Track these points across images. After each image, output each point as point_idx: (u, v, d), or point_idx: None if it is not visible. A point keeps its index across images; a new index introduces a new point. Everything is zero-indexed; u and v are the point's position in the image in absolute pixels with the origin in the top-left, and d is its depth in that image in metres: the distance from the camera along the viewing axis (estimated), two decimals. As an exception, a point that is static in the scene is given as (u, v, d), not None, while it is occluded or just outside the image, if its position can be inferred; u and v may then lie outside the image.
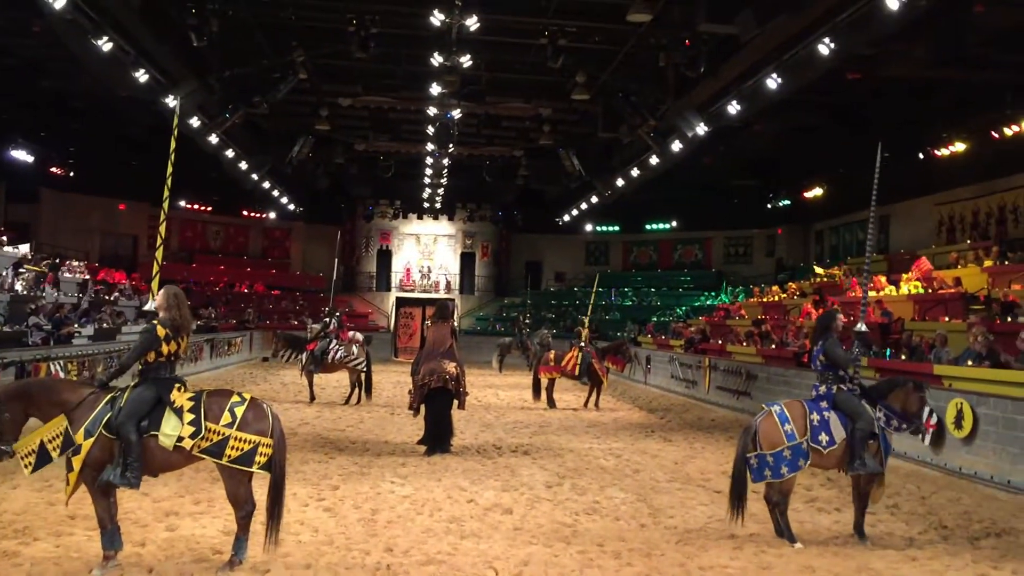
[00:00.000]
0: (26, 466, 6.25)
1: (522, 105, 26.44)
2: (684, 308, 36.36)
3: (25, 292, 20.27)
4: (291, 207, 38.55)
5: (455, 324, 14.17)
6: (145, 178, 34.06)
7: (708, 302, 35.99)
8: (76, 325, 18.81)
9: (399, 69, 24.08)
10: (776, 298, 26.85)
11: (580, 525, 8.17)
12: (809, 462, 7.55)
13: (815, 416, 7.61)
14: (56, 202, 33.57)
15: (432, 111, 25.03)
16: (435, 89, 22.56)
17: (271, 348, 20.49)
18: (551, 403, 18.76)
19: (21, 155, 29.01)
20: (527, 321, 31.94)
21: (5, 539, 6.96)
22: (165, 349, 6.53)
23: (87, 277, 26.89)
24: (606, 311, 38.87)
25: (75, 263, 27.97)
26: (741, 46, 18.22)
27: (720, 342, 23.46)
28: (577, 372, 18.66)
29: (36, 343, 16.25)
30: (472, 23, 18.21)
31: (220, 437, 6.29)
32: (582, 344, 19.02)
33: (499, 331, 37.85)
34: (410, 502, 8.85)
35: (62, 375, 14.36)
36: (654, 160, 24.92)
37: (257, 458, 6.34)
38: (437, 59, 20.19)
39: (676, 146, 22.81)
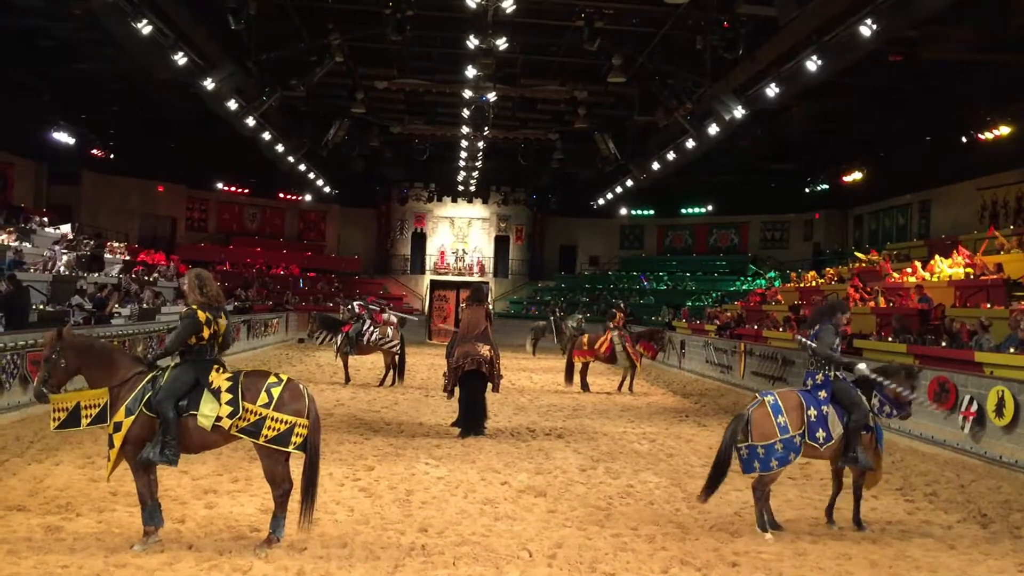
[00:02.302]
0: (54, 420, 6.41)
1: (557, 88, 26.30)
2: (719, 293, 36.11)
3: (68, 273, 20.59)
4: (327, 190, 38.76)
5: (490, 307, 14.17)
6: (183, 161, 34.58)
7: (743, 287, 35.71)
8: (117, 305, 19.08)
9: (434, 52, 24.05)
10: (814, 283, 26.57)
11: (614, 509, 8.17)
12: (800, 456, 7.39)
13: (812, 411, 7.35)
14: (96, 184, 34.06)
15: (467, 94, 24.98)
16: (470, 72, 22.51)
17: (307, 329, 20.59)
18: (584, 387, 18.76)
19: (63, 137, 29.44)
20: (562, 304, 31.90)
21: (49, 514, 7.10)
22: (206, 332, 6.64)
23: (127, 258, 27.26)
24: (640, 295, 38.74)
25: (115, 244, 28.35)
26: (780, 28, 17.97)
27: (756, 327, 23.28)
28: (611, 356, 18.67)
29: (78, 322, 16.51)
30: (508, 5, 18.09)
31: (257, 417, 6.38)
32: (616, 328, 18.99)
33: (533, 315, 37.86)
34: (444, 484, 8.90)
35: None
36: (690, 144, 24.69)
37: (293, 438, 6.42)
38: (472, 42, 20.11)
39: (713, 129, 22.57)
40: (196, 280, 6.85)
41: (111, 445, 6.36)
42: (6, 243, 20.24)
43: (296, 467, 6.67)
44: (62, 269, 20.74)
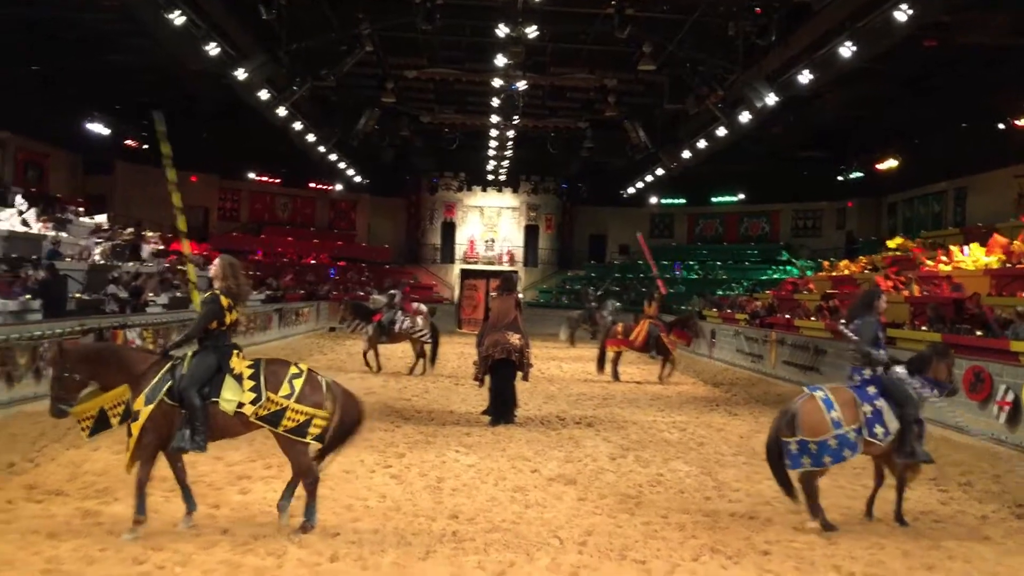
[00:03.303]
0: (83, 429, 6.49)
1: (587, 76, 26.22)
2: (750, 282, 35.86)
3: (103, 262, 20.87)
4: (357, 179, 38.89)
5: (519, 296, 14.18)
6: (215, 151, 34.84)
7: (775, 276, 35.44)
8: (151, 294, 19.32)
9: (464, 41, 24.06)
10: (847, 271, 26.30)
11: (644, 497, 8.18)
12: (859, 452, 7.19)
13: (867, 407, 7.17)
14: (130, 174, 34.38)
15: (497, 83, 24.97)
16: (500, 61, 22.50)
17: (338, 316, 20.70)
18: (615, 376, 18.73)
19: (97, 128, 29.79)
20: (598, 293, 31.78)
21: (87, 499, 7.24)
22: (228, 318, 6.70)
23: (161, 247, 27.54)
24: (671, 284, 38.59)
25: (149, 234, 28.67)
26: (813, 13, 17.79)
27: (787, 316, 23.11)
28: (645, 345, 18.62)
29: (114, 311, 16.74)
30: (538, -7, 18.08)
31: (278, 407, 6.44)
32: (650, 317, 18.95)
33: (564, 303, 37.86)
34: (475, 471, 8.94)
35: (138, 342, 14.79)
36: (721, 131, 24.52)
37: (311, 429, 6.50)
38: (502, 30, 20.10)
39: (744, 117, 22.40)
40: (228, 268, 6.85)
41: (129, 434, 6.35)
42: (43, 232, 20.52)
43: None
44: (97, 258, 21.02)
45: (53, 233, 20.78)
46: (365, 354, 19.04)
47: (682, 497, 8.25)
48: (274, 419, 6.44)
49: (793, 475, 7.27)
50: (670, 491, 8.47)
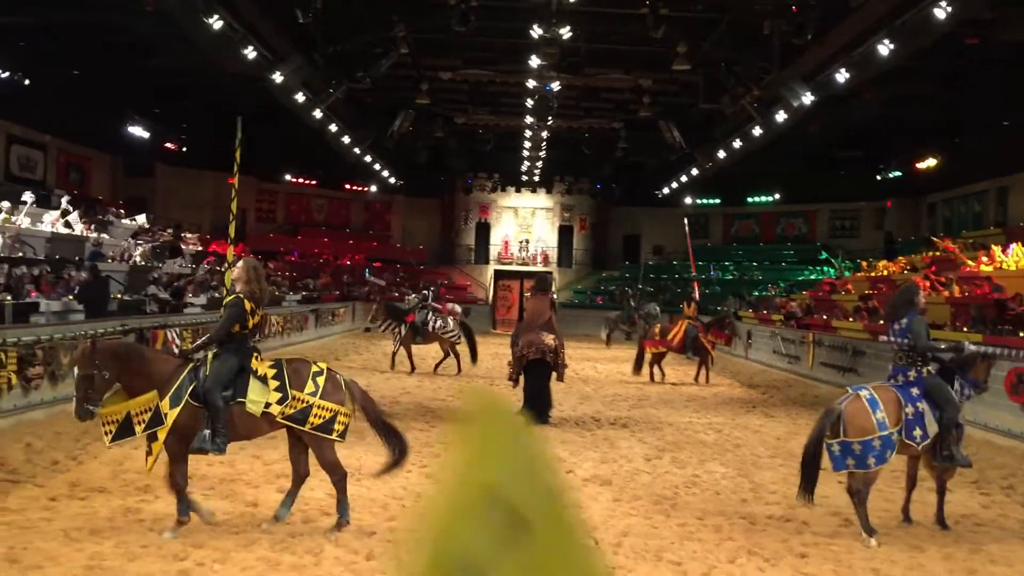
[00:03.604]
0: (106, 433, 6.35)
1: (622, 77, 26.15)
2: (786, 282, 35.54)
3: (144, 263, 21.19)
4: (392, 181, 39.11)
5: (554, 297, 14.18)
6: (252, 153, 35.18)
7: (812, 276, 35.08)
8: (191, 295, 19.58)
9: (498, 42, 24.07)
10: (885, 272, 25.99)
11: (680, 498, 8.15)
12: (895, 454, 7.05)
13: (909, 408, 6.99)
14: (170, 176, 34.90)
15: (531, 84, 24.95)
16: (534, 61, 22.48)
17: (370, 315, 20.77)
18: (652, 377, 18.66)
19: (137, 131, 30.27)
20: (638, 291, 31.63)
21: (129, 496, 7.35)
22: (250, 322, 6.75)
23: (199, 248, 27.91)
24: (706, 285, 38.36)
25: (188, 235, 29.07)
26: (851, 11, 17.59)
27: (825, 317, 22.88)
28: (683, 346, 18.52)
29: (153, 311, 16.99)
30: (572, -6, 18.06)
31: (304, 405, 6.51)
32: (689, 318, 18.85)
33: (598, 304, 37.77)
34: (510, 471, 8.94)
35: (178, 342, 14.99)
36: (757, 131, 24.34)
37: (336, 426, 6.57)
38: (536, 31, 20.10)
39: (780, 116, 22.22)
40: (252, 271, 6.90)
41: (154, 438, 6.32)
42: (85, 234, 20.88)
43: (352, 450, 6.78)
44: (138, 259, 21.35)
45: (95, 235, 21.13)
46: (394, 355, 19.18)
47: (718, 499, 8.20)
48: (301, 417, 6.50)
49: (823, 477, 7.15)
50: (706, 493, 8.43)
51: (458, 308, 27.76)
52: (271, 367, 6.65)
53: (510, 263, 41.42)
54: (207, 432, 6.39)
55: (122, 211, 26.97)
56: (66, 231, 20.45)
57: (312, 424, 6.51)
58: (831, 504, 7.72)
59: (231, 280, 6.97)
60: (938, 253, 24.36)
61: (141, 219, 26.48)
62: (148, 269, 20.63)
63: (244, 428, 6.63)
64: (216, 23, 17.43)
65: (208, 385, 6.41)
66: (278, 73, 20.66)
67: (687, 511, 7.63)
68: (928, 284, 19.99)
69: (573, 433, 11.57)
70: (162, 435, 6.29)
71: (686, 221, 28.65)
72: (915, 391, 7.13)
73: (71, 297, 14.92)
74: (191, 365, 6.55)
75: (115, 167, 32.43)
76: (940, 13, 15.09)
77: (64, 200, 21.79)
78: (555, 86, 25.10)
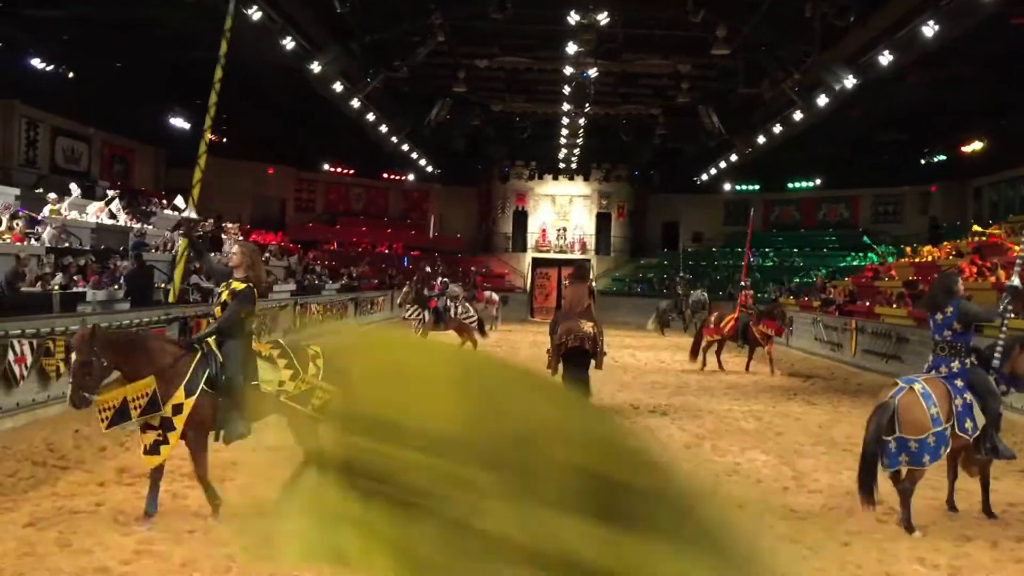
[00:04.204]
0: (102, 420, 6.23)
1: (660, 62, 25.94)
2: (828, 269, 35.12)
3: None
4: (429, 169, 39.23)
5: (593, 284, 14.12)
6: (292, 143, 35.53)
7: (854, 263, 34.63)
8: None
9: (535, 29, 24.00)
10: (930, 258, 25.58)
11: (720, 487, 8.08)
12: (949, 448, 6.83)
13: (959, 400, 6.74)
14: (211, 167, 35.07)
15: (568, 70, 24.88)
16: (571, 48, 22.41)
17: (400, 296, 20.69)
18: (704, 364, 18.44)
19: (179, 123, 30.65)
20: (686, 279, 31.36)
21: (174, 482, 7.46)
22: (256, 307, 6.80)
23: (240, 238, 28.20)
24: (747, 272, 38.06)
25: (229, 225, 29.39)
26: (894, -8, 17.32)
27: (868, 303, 22.59)
28: (734, 335, 18.26)
29: (196, 300, 17.22)
30: (609, -21, 17.95)
31: (308, 386, 6.49)
32: (744, 306, 18.57)
33: (637, 292, 37.65)
34: (549, 459, 8.95)
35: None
36: (798, 116, 24.09)
37: (316, 403, 6.48)
38: (573, 17, 20.02)
39: (822, 100, 21.97)
40: (253, 255, 6.87)
41: (170, 428, 6.22)
42: (129, 225, 21.20)
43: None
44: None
45: (138, 225, 21.44)
46: None
47: (759, 487, 8.14)
48: (304, 398, 6.45)
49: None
50: (747, 481, 8.37)
51: (495, 296, 27.83)
52: (273, 348, 6.66)
53: (548, 251, 41.36)
54: (236, 416, 6.39)
55: (164, 202, 27.34)
56: (110, 222, 20.77)
57: (313, 406, 6.42)
58: (865, 508, 7.60)
59: (232, 266, 6.81)
60: (983, 239, 23.91)
61: (179, 202, 26.85)
62: (190, 259, 20.87)
63: (255, 410, 6.52)
64: (255, 14, 17.58)
65: (231, 372, 6.40)
66: (316, 63, 20.83)
67: (728, 500, 7.57)
68: (975, 269, 19.65)
69: (612, 421, 11.53)
70: (180, 425, 6.21)
71: (751, 211, 28.18)
72: (959, 382, 6.91)
73: (116, 287, 15.16)
74: (199, 353, 6.46)
75: (158, 158, 32.87)
76: (986, -7, 14.82)
77: (109, 191, 22.14)
78: (592, 72, 24.99)
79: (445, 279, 20.00)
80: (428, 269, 23.76)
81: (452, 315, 18.82)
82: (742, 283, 20.33)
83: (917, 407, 6.68)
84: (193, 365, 6.35)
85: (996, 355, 7.24)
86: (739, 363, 19.31)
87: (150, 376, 6.19)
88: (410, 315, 19.50)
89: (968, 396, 6.84)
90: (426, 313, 18.89)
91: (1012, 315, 7.35)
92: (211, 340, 6.56)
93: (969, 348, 7.05)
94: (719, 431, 11.01)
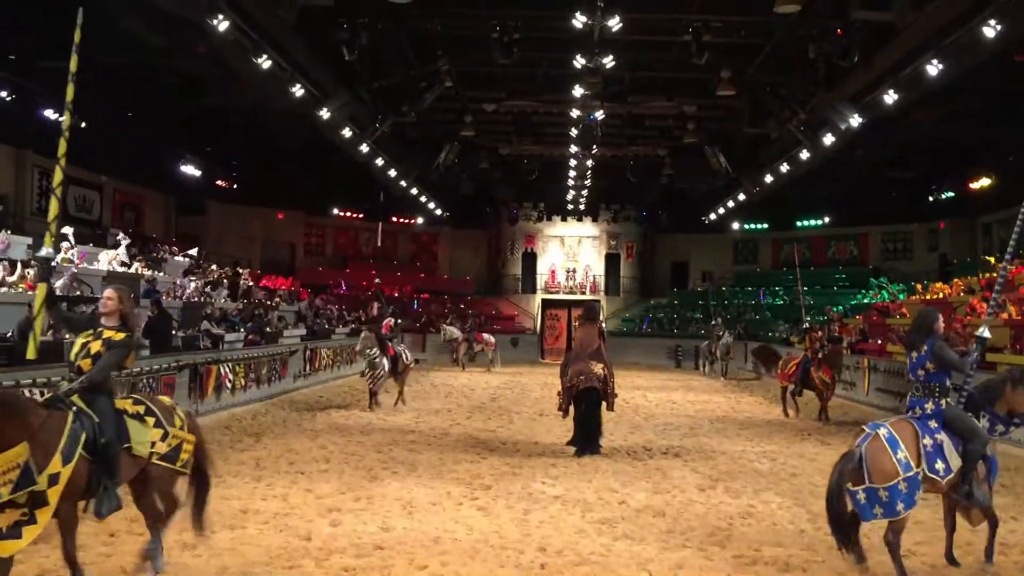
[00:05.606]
0: None
1: (665, 103, 26.12)
2: (839, 307, 34.96)
3: (197, 299, 21.55)
4: (438, 212, 39.43)
5: (602, 325, 14.10)
6: (301, 188, 35.85)
7: (864, 300, 34.49)
8: (243, 330, 19.86)
9: (541, 73, 24.26)
10: (940, 295, 25.48)
11: (735, 529, 8.01)
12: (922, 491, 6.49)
13: (927, 440, 6.40)
14: (221, 213, 35.61)
15: (575, 113, 25.03)
16: (577, 91, 22.56)
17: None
18: (785, 412, 17.68)
19: (189, 170, 30.97)
20: (723, 320, 30.94)
21: (185, 531, 7.39)
22: (131, 360, 6.27)
23: (251, 283, 28.34)
24: (755, 311, 37.96)
25: (240, 270, 29.56)
26: (897, 32, 17.43)
27: (879, 341, 22.45)
28: (795, 379, 17.39)
29: (207, 346, 17.25)
30: (614, 23, 18.10)
31: (177, 441, 6.12)
32: (808, 350, 17.46)
33: (647, 332, 37.57)
34: (561, 503, 8.89)
35: (231, 376, 15.18)
36: (804, 155, 24.14)
37: (190, 460, 6.30)
38: (579, 61, 20.18)
39: (828, 139, 22.02)
40: (129, 300, 6.37)
41: (42, 504, 5.21)
42: (140, 272, 21.32)
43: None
44: (192, 295, 21.74)
45: (149, 272, 21.56)
46: (375, 394, 17.13)
47: (775, 529, 8.05)
48: (174, 455, 6.08)
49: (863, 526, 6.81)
50: (762, 523, 8.28)
51: (492, 339, 27.68)
52: (135, 404, 6.09)
53: (557, 292, 41.36)
54: (103, 489, 5.61)
55: (175, 248, 27.55)
56: (121, 269, 20.89)
57: (182, 460, 6.13)
58: (845, 555, 7.44)
59: (104, 312, 6.14)
60: (994, 274, 23.79)
61: (193, 252, 27.04)
62: (201, 305, 20.97)
63: (123, 474, 5.90)
64: (264, 63, 17.80)
65: (110, 436, 5.66)
66: (325, 109, 21.04)
67: (743, 542, 7.49)
68: (985, 307, 19.53)
69: (624, 463, 11.46)
70: (54, 500, 5.25)
71: (795, 248, 27.63)
72: (933, 423, 6.60)
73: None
74: (71, 413, 5.58)
75: (168, 206, 33.18)
76: (989, 32, 14.88)
77: (121, 236, 22.32)
78: (599, 115, 25.14)
79: (400, 320, 18.94)
80: (377, 307, 22.39)
81: (404, 360, 17.78)
82: (805, 323, 19.02)
83: (883, 454, 6.34)
84: (67, 427, 5.46)
85: (960, 400, 6.87)
86: (752, 403, 19.17)
87: (23, 444, 5.14)
88: (373, 360, 16.97)
89: (941, 436, 6.50)
90: (386, 361, 17.12)
91: (977, 366, 7.01)
92: (76, 398, 5.73)
93: (945, 389, 6.72)
94: (732, 472, 10.91)
